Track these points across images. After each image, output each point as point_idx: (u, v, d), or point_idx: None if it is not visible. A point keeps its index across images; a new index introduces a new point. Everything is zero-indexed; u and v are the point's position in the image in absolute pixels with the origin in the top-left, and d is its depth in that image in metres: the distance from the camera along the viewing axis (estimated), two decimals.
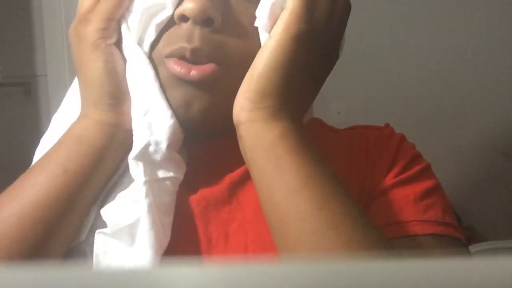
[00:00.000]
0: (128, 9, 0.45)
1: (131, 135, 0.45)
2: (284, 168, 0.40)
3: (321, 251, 0.37)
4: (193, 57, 0.43)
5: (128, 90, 0.45)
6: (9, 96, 1.78)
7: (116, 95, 0.44)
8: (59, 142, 0.45)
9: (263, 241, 0.45)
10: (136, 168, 0.44)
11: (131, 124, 0.45)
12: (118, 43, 0.46)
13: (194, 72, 0.43)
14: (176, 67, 0.43)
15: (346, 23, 0.46)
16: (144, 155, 0.43)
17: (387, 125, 0.55)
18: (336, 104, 1.65)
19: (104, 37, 0.44)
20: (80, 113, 0.46)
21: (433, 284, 0.15)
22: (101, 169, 0.44)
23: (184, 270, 0.16)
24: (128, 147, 0.46)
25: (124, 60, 0.46)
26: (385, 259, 0.16)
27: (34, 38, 1.76)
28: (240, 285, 0.15)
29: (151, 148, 0.43)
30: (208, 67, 0.43)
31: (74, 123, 0.46)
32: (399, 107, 1.69)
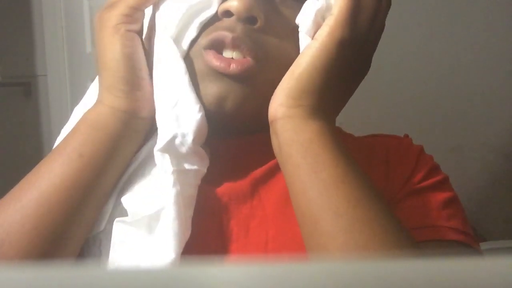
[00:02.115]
0: (160, 3, 0.46)
1: (147, 123, 0.45)
2: (320, 165, 0.40)
3: (354, 248, 0.37)
4: (233, 46, 0.44)
5: (145, 77, 0.45)
6: (9, 96, 1.77)
7: (130, 81, 0.44)
8: (74, 129, 0.45)
9: (283, 238, 0.45)
10: (162, 159, 0.44)
11: (146, 111, 0.45)
12: (142, 35, 0.46)
13: (234, 65, 0.44)
14: (215, 61, 0.44)
15: (380, 36, 0.47)
16: (170, 147, 0.44)
17: (406, 135, 0.55)
18: None
19: (125, 23, 0.45)
20: (96, 99, 0.46)
21: (432, 284, 0.15)
22: (116, 155, 0.44)
23: (205, 269, 0.16)
24: (143, 134, 0.46)
25: (149, 51, 0.46)
26: (386, 259, 0.16)
27: (34, 38, 1.76)
28: (264, 285, 0.15)
29: (177, 141, 0.44)
30: (246, 61, 0.44)
31: (89, 109, 0.46)
32: (399, 107, 1.69)
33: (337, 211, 0.38)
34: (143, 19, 0.46)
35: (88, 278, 0.15)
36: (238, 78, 0.44)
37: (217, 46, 0.44)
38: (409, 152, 0.51)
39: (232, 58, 0.44)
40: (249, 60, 0.44)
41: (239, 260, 0.45)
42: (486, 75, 1.77)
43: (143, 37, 0.47)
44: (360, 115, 1.60)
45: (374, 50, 0.47)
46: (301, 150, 0.41)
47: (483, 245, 1.35)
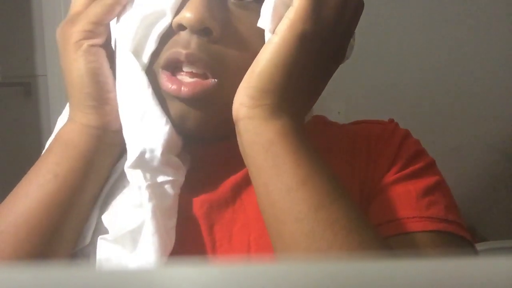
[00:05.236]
0: (121, 15, 0.44)
1: (119, 136, 0.44)
2: (281, 167, 0.39)
3: (316, 252, 0.36)
4: (188, 62, 0.42)
5: (112, 90, 0.44)
6: (9, 96, 1.77)
7: (98, 97, 0.44)
8: (48, 148, 0.45)
9: (265, 239, 0.44)
10: (134, 176, 0.43)
11: (118, 124, 0.44)
12: (108, 48, 0.45)
13: (185, 89, 0.42)
14: (168, 84, 0.43)
15: (357, 22, 0.44)
16: (140, 163, 0.43)
17: (392, 120, 0.54)
18: (336, 104, 1.65)
19: (87, 38, 0.43)
20: (68, 116, 0.46)
21: (431, 284, 0.15)
22: (92, 172, 0.44)
23: (186, 270, 0.16)
24: (119, 147, 0.45)
25: (112, 63, 0.45)
26: (384, 259, 0.16)
27: (34, 38, 1.76)
28: (242, 286, 0.15)
29: (147, 156, 0.43)
30: (199, 83, 0.43)
31: (62, 127, 0.45)
32: (399, 107, 1.69)
33: (298, 216, 0.37)
34: (107, 32, 0.45)
35: (67, 278, 0.15)
36: (192, 100, 0.43)
37: (173, 66, 0.43)
38: (392, 139, 0.50)
39: (192, 72, 0.42)
40: (202, 82, 0.42)
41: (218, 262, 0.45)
42: (486, 75, 1.77)
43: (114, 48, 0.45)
44: (360, 115, 1.60)
45: (348, 38, 0.44)
46: (262, 151, 0.40)
47: (484, 245, 1.34)
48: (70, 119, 0.45)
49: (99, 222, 0.45)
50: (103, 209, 0.45)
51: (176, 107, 0.44)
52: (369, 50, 1.63)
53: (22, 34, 1.76)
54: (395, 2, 1.70)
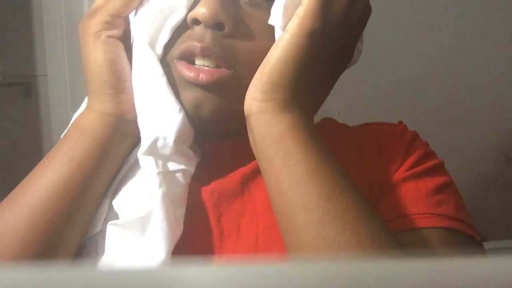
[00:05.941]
0: (138, 9, 0.47)
1: (134, 125, 0.46)
2: (292, 158, 0.40)
3: (326, 241, 0.37)
4: (202, 55, 0.44)
5: (128, 80, 0.46)
6: (9, 96, 1.77)
7: (115, 85, 0.45)
8: (65, 134, 0.46)
9: (273, 231, 0.45)
10: (147, 162, 0.44)
11: (133, 114, 0.46)
12: (127, 40, 0.47)
13: (203, 75, 0.44)
14: (185, 71, 0.44)
15: (364, 26, 0.46)
16: (153, 150, 0.44)
17: (401, 122, 0.55)
18: (336, 104, 1.65)
19: (106, 29, 0.45)
20: (86, 105, 0.47)
21: (431, 283, 0.15)
22: (106, 159, 0.45)
23: (190, 270, 0.16)
24: (133, 137, 0.47)
25: (129, 54, 0.46)
26: (387, 259, 0.16)
27: (34, 38, 1.76)
28: (247, 286, 0.15)
29: (159, 143, 0.44)
30: (216, 71, 0.44)
31: (79, 115, 0.47)
32: (399, 107, 1.69)
33: (308, 205, 0.38)
34: (125, 25, 0.47)
35: (73, 278, 0.15)
36: (209, 87, 0.44)
37: (188, 57, 0.45)
38: (401, 140, 0.50)
39: (204, 65, 0.44)
40: (219, 70, 0.44)
41: (224, 260, 0.46)
42: (486, 76, 1.77)
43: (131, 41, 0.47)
44: (360, 115, 1.60)
45: (356, 38, 0.46)
46: (273, 144, 0.41)
47: (484, 245, 1.34)
48: (87, 107, 0.47)
49: (109, 211, 0.45)
50: (113, 198, 0.46)
51: (192, 94, 0.45)
52: (369, 51, 1.62)
53: (22, 34, 1.76)
54: (395, 3, 1.70)
